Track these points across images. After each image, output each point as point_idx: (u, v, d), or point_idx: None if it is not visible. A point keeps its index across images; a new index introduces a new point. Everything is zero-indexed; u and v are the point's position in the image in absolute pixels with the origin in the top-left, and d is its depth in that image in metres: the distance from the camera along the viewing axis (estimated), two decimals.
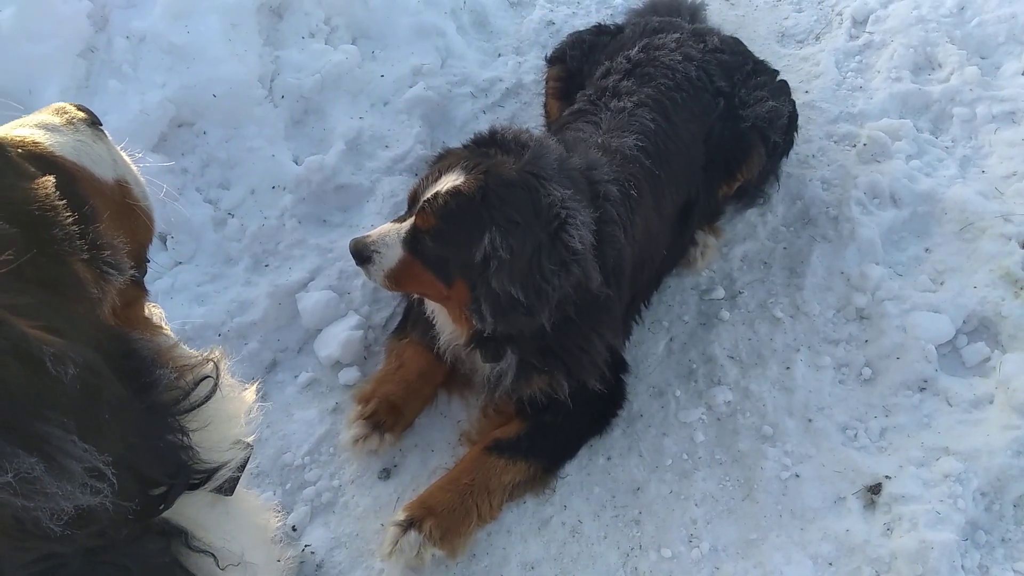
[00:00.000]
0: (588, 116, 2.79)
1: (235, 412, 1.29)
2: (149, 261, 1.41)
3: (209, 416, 1.20)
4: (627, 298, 2.63)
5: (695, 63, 2.85)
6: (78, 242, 1.05)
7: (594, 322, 2.35)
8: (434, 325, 2.52)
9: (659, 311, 2.97)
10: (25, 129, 1.19)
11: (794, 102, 3.06)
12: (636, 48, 2.93)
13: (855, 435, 2.58)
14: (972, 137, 3.36)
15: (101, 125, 1.32)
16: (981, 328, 2.77)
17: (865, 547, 2.31)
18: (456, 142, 3.40)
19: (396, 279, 2.26)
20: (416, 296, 2.67)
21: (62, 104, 1.30)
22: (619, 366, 2.70)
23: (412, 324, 2.75)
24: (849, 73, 3.63)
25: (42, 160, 1.15)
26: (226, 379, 1.28)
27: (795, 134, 3.10)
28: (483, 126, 3.46)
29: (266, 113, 3.13)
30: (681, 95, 2.78)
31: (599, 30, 3.30)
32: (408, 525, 2.34)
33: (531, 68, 3.73)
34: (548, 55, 3.42)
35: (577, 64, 3.20)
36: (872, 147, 3.27)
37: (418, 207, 2.17)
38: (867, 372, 2.72)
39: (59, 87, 2.85)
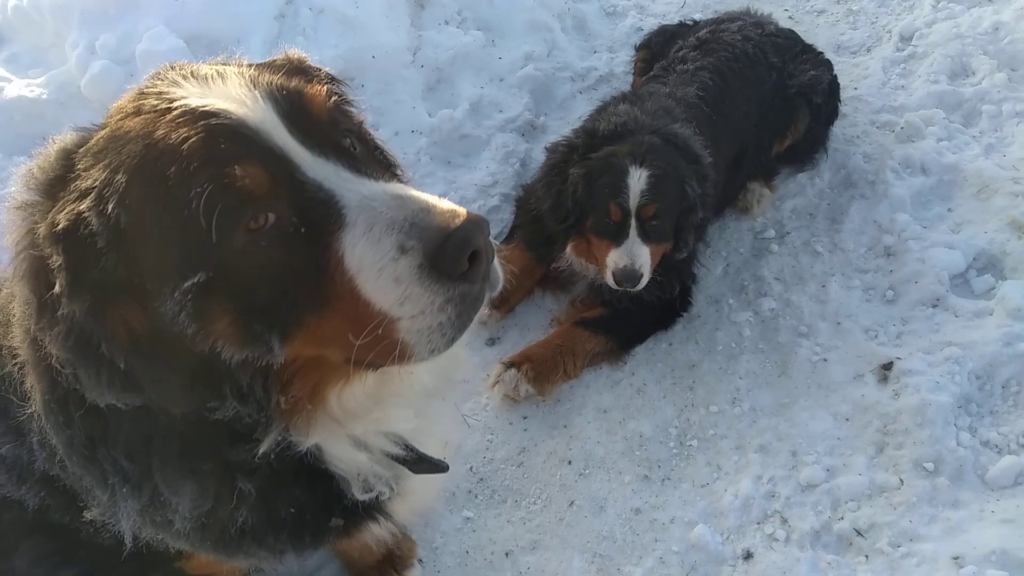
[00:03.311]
0: (660, 79, 3.53)
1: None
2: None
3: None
4: None
5: (752, 43, 3.56)
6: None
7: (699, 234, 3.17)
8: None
9: (719, 244, 3.60)
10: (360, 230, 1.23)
11: (835, 75, 3.71)
12: (704, 31, 3.67)
13: (876, 335, 3.14)
14: (998, 130, 3.92)
15: (457, 279, 1.27)
16: (989, 265, 3.31)
17: (876, 407, 2.87)
18: (557, 115, 4.21)
19: (653, 267, 2.97)
20: (521, 215, 3.42)
21: (466, 220, 1.26)
22: (691, 277, 3.35)
23: (518, 235, 3.45)
24: (894, 76, 4.26)
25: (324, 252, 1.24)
26: None
27: (838, 102, 3.74)
28: (580, 104, 4.27)
29: (411, 75, 3.95)
30: (738, 65, 3.49)
31: (680, 24, 4.05)
32: (509, 365, 3.02)
33: (621, 62, 4.47)
34: (637, 43, 4.17)
35: (659, 49, 3.93)
36: (908, 130, 3.88)
37: (635, 209, 2.85)
38: (890, 294, 3.29)
39: (261, 40, 3.72)
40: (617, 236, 2.92)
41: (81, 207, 1.23)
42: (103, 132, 1.33)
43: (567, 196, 3.00)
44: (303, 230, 1.26)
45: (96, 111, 3.69)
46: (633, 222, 2.88)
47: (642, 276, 2.90)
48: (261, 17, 3.77)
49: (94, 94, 3.59)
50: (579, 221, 3.03)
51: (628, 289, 2.94)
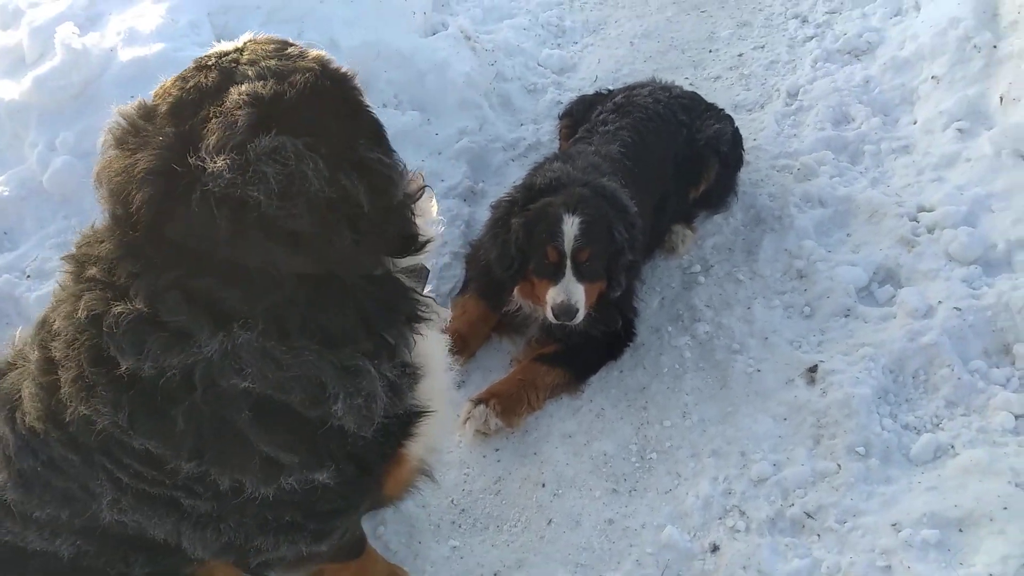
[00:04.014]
0: (585, 140, 3.96)
1: (431, 209, 2.08)
2: None
3: (421, 209, 2.00)
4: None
5: (662, 104, 4.04)
6: None
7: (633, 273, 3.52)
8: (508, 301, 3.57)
9: (652, 281, 3.97)
10: None
11: (737, 127, 4.22)
12: (620, 96, 4.14)
13: (800, 345, 3.53)
14: (880, 165, 4.48)
15: None
16: (887, 277, 3.77)
17: (808, 405, 3.22)
18: (494, 181, 4.58)
19: (589, 305, 3.30)
20: (472, 269, 3.72)
21: None
22: (633, 311, 3.69)
23: (471, 288, 3.74)
24: (786, 127, 4.81)
25: None
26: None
27: (742, 151, 4.23)
28: (513, 170, 4.66)
29: None
30: (652, 124, 3.95)
31: (597, 93, 4.53)
32: (478, 402, 3.27)
33: (546, 132, 4.90)
34: (560, 112, 4.62)
35: (580, 115, 4.39)
36: (804, 171, 4.39)
37: (570, 252, 3.20)
38: (807, 310, 3.70)
39: None
40: (555, 275, 3.25)
41: None
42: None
43: (510, 245, 3.32)
44: None
45: (58, 204, 3.88)
46: (569, 263, 3.22)
47: (578, 311, 3.22)
48: None
49: (56, 188, 3.77)
50: (522, 266, 3.35)
51: (565, 323, 3.26)
